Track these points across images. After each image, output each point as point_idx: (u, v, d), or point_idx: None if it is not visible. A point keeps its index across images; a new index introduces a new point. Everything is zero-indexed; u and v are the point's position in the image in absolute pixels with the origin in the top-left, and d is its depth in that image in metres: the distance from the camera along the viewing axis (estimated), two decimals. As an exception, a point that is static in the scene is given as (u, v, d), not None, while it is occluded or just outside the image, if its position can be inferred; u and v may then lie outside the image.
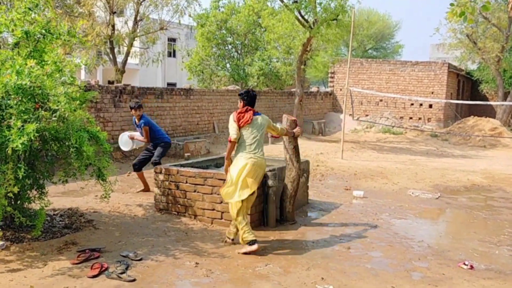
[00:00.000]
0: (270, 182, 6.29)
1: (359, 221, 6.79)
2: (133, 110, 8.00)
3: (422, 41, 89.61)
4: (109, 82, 24.32)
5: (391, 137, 19.28)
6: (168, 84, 34.32)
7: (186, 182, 6.48)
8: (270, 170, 6.46)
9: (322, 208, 7.52)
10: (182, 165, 6.99)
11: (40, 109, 5.04)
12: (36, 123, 4.85)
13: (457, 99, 24.55)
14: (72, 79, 5.28)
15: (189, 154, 11.68)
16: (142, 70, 29.86)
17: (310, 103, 21.41)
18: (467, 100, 26.84)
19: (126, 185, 8.70)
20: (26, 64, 5.05)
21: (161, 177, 6.70)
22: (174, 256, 5.07)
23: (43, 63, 5.49)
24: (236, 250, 5.31)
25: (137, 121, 8.07)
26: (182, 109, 13.31)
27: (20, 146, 4.57)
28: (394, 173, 11.15)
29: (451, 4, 4.52)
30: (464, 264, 5.05)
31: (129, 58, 17.91)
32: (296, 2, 14.35)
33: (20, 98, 4.90)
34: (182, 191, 6.52)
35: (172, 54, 35.44)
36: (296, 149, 6.46)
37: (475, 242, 6.02)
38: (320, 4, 14.37)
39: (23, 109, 4.91)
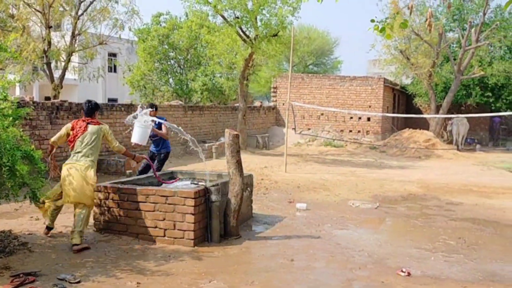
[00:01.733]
0: (213, 197, 6.26)
1: (302, 233, 6.90)
2: (151, 112, 8.22)
3: (360, 56, 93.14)
4: (46, 98, 23.40)
5: (333, 150, 19.80)
6: (109, 99, 33.50)
7: (127, 200, 6.33)
8: (213, 185, 6.45)
9: (266, 221, 7.57)
10: (123, 183, 6.82)
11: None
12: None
13: (393, 112, 25.65)
14: (4, 95, 5.03)
15: (131, 171, 11.42)
16: (82, 85, 28.97)
17: (253, 117, 21.62)
18: (403, 113, 28.09)
19: (64, 205, 8.34)
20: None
21: (100, 195, 6.50)
22: (115, 276, 4.91)
23: (-28, 78, 5.24)
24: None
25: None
26: (123, 125, 12.99)
27: None
28: (335, 185, 11.43)
29: (372, 20, 4.75)
30: (402, 271, 5.24)
31: (67, 73, 17.37)
32: (238, 18, 14.56)
33: None
34: (123, 209, 6.35)
35: (113, 69, 34.70)
36: (239, 163, 6.49)
37: (412, 249, 6.28)
38: (261, 20, 14.63)
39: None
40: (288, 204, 9.11)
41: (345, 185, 11.53)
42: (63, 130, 6.35)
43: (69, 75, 30.07)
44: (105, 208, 6.46)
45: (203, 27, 17.36)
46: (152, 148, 9.14)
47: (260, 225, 7.37)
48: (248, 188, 7.50)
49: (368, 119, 22.77)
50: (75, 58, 20.89)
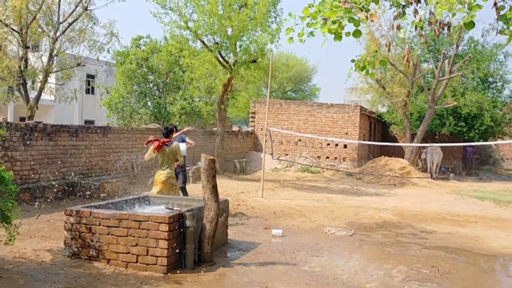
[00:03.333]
0: (188, 223, 6.19)
1: (278, 260, 6.85)
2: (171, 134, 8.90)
3: (337, 84, 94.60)
4: (21, 119, 23.00)
5: (310, 176, 19.87)
6: (86, 121, 33.15)
7: (100, 225, 6.20)
8: (188, 210, 6.38)
9: (241, 248, 7.50)
10: (95, 206, 6.69)
11: None
12: None
13: (369, 140, 26.00)
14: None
15: (105, 194, 11.23)
16: (58, 106, 28.63)
17: (231, 142, 21.62)
18: (379, 140, 28.50)
19: (34, 229, 8.14)
20: None
21: (72, 219, 6.35)
22: (84, 304, 4.78)
23: None
24: None
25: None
26: (99, 147, 12.85)
27: None
28: (312, 211, 11.44)
29: (352, 60, 4.85)
30: (376, 299, 5.23)
31: (43, 94, 17.14)
32: (217, 43, 14.70)
33: None
34: (95, 234, 6.21)
35: (90, 91, 34.45)
36: (214, 188, 6.45)
37: (386, 277, 6.28)
38: (240, 46, 14.80)
39: None
40: (264, 230, 9.06)
41: (321, 211, 11.55)
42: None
43: (45, 96, 29.70)
44: (76, 232, 6.31)
45: (182, 51, 17.47)
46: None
47: (235, 251, 7.29)
48: (224, 214, 7.44)
49: (345, 146, 23.01)
50: (52, 79, 20.72)
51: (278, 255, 7.15)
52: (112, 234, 6.13)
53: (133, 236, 6.02)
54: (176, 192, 8.65)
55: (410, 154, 23.16)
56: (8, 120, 27.01)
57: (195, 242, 6.35)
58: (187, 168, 10.44)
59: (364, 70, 4.69)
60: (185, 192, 10.00)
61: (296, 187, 16.21)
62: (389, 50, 17.03)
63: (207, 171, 6.39)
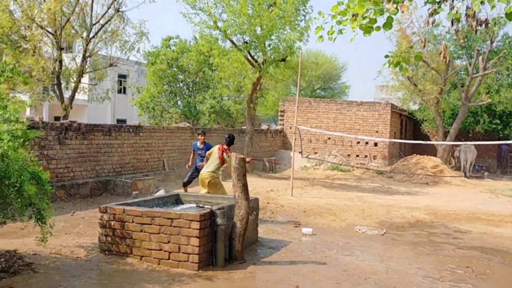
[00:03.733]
0: (219, 221, 6.24)
1: (308, 259, 6.83)
2: (201, 136, 10.34)
3: (367, 82, 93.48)
4: (56, 119, 23.63)
5: (339, 174, 19.72)
6: (118, 120, 33.81)
7: (133, 222, 6.32)
8: (219, 208, 6.43)
9: (271, 246, 7.51)
10: (128, 204, 6.82)
11: (-22, 147, 4.85)
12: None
13: (400, 138, 25.60)
14: (16, 117, 5.09)
15: (137, 192, 11.43)
16: (91, 106, 29.29)
17: (260, 140, 21.66)
18: (410, 139, 28.02)
19: (69, 225, 8.36)
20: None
21: (105, 216, 6.50)
22: (118, 299, 4.88)
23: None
24: None
25: (200, 145, 10.32)
26: (131, 146, 13.10)
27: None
28: (342, 210, 11.35)
29: (386, 56, 4.78)
30: (409, 299, 5.16)
31: (77, 94, 17.57)
32: (247, 43, 14.74)
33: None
34: (128, 231, 6.34)
35: (122, 90, 35.11)
36: (245, 187, 6.48)
37: (419, 277, 6.18)
38: (269, 45, 14.80)
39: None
40: (294, 228, 9.05)
41: (352, 210, 11.45)
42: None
43: (79, 96, 30.47)
44: (110, 229, 6.45)
45: (212, 51, 17.62)
46: (198, 162, 10.42)
47: (265, 249, 7.31)
48: (254, 212, 7.47)
49: (375, 144, 22.73)
50: (85, 79, 21.22)
51: (308, 254, 7.13)
52: (144, 231, 6.24)
53: (165, 234, 6.12)
54: (222, 190, 9.15)
55: (443, 152, 22.69)
56: (44, 119, 27.91)
57: (226, 240, 6.40)
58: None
59: (398, 66, 4.62)
60: (185, 187, 10.62)
61: (326, 186, 16.11)
62: (424, 46, 16.70)
63: (237, 169, 6.42)
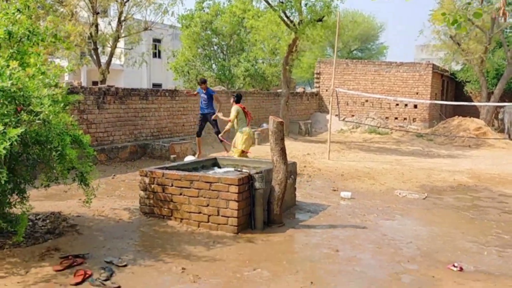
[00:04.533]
0: (257, 185, 6.20)
1: (347, 223, 6.75)
2: (203, 84, 11.30)
3: (406, 42, 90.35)
4: (94, 83, 23.98)
5: (377, 137, 19.35)
6: (154, 85, 34.07)
7: (172, 185, 6.36)
8: (257, 172, 6.38)
9: (310, 210, 7.46)
10: (167, 168, 6.86)
11: (22, 112, 4.90)
12: (18, 126, 4.72)
13: (442, 99, 24.76)
14: (56, 81, 5.11)
15: (175, 155, 11.54)
16: (127, 71, 29.60)
17: (296, 103, 21.40)
18: (451, 100, 27.09)
19: (111, 188, 8.54)
20: (8, 66, 4.90)
21: (146, 180, 6.57)
22: (161, 261, 4.96)
23: (25, 65, 5.34)
24: None
25: (203, 89, 11.27)
26: (168, 110, 13.16)
27: (2, 151, 4.42)
28: (380, 174, 11.15)
29: (443, 14, 4.48)
30: (454, 266, 5.02)
31: (113, 59, 17.70)
32: (282, 2, 14.30)
33: (0, 101, 4.75)
34: (168, 194, 6.40)
35: (157, 55, 35.21)
36: (283, 151, 6.39)
37: (463, 243, 6.02)
38: (305, 4, 14.35)
39: (4, 112, 4.77)
40: (332, 192, 8.96)
41: (391, 173, 11.23)
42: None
43: (115, 61, 30.80)
44: (151, 192, 6.53)
45: (246, 12, 17.29)
46: (205, 110, 11.44)
47: (303, 213, 7.26)
48: (292, 176, 7.39)
49: (415, 106, 22.07)
50: (121, 43, 21.33)
51: (347, 218, 7.05)
52: (184, 195, 6.27)
53: (204, 197, 6.14)
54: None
55: (486, 114, 21.86)
56: (82, 84, 28.40)
57: (264, 204, 6.37)
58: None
59: (455, 25, 4.31)
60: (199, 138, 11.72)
61: (363, 149, 15.85)
62: (482, 2, 15.80)
63: (275, 133, 6.32)
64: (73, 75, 30.21)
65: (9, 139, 4.55)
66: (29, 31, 5.13)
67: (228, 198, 6.01)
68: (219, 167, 7.95)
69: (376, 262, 5.20)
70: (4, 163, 5.11)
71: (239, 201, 5.98)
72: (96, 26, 16.14)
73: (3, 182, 4.57)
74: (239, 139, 9.46)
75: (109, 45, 17.24)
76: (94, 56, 16.99)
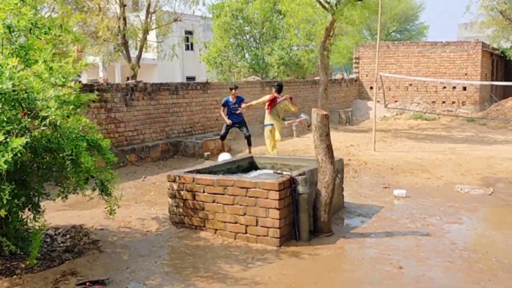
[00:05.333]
0: (300, 189, 5.36)
1: (407, 229, 5.82)
2: (233, 91, 10.39)
3: (447, 21, 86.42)
4: (128, 79, 23.59)
5: (424, 124, 18.07)
6: (188, 78, 33.60)
7: (204, 192, 5.61)
8: (300, 174, 5.54)
9: (360, 213, 6.56)
10: (198, 171, 6.11)
11: (26, 116, 4.24)
12: (22, 134, 4.07)
13: (492, 80, 23.06)
14: (63, 80, 4.39)
15: (209, 153, 10.83)
16: (160, 65, 29.19)
17: (335, 91, 20.31)
18: (501, 80, 25.26)
19: (140, 193, 7.89)
20: (8, 64, 4.24)
21: (175, 186, 5.84)
22: (193, 285, 4.22)
23: (31, 62, 4.67)
24: None
25: (232, 99, 10.42)
26: (200, 104, 12.45)
27: (3, 165, 3.76)
28: (435, 165, 10.08)
29: None
30: (552, 287, 4.05)
31: (146, 53, 17.17)
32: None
33: (0, 106, 4.09)
34: (200, 202, 5.65)
35: (189, 47, 34.71)
36: (329, 148, 5.51)
37: (552, 252, 4.99)
38: (343, -17, 13.25)
39: (5, 118, 4.11)
40: (383, 190, 8.00)
41: (446, 165, 10.14)
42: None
43: (147, 55, 30.44)
44: (180, 199, 5.80)
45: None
46: (234, 119, 10.59)
47: (353, 217, 6.38)
48: (339, 175, 6.50)
49: (464, 88, 20.54)
50: (152, 37, 20.81)
51: (405, 222, 6.11)
52: (217, 202, 5.51)
53: (240, 205, 5.35)
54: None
55: (543, 94, 20.14)
56: (116, 80, 28.09)
57: (310, 210, 5.53)
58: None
59: None
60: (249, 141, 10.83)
61: (411, 137, 14.68)
62: None
63: (320, 128, 5.44)
64: (106, 72, 30.13)
65: (11, 150, 3.90)
66: (32, 24, 4.43)
67: (267, 206, 5.20)
68: (256, 167, 7.16)
69: (451, 283, 4.28)
70: (13, 175, 4.49)
71: (280, 208, 5.17)
72: (124, 19, 15.56)
73: (5, 202, 3.91)
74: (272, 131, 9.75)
75: (139, 39, 16.69)
76: (124, 51, 16.47)
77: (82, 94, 4.89)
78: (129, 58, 16.35)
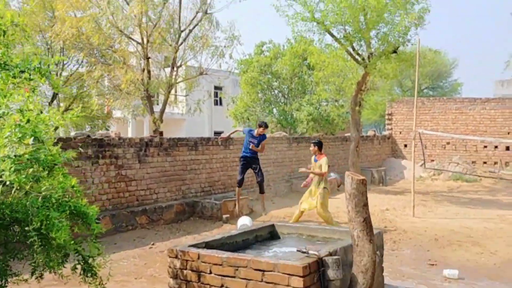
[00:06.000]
0: (331, 274, 4.24)
1: (467, 328, 4.55)
2: (262, 129, 10.18)
3: (481, 78, 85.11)
4: (154, 132, 23.11)
5: (465, 186, 16.64)
6: (215, 133, 33.22)
7: (211, 273, 4.54)
8: (330, 253, 4.45)
9: (405, 300, 5.33)
10: (207, 244, 5.08)
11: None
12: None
13: (537, 138, 21.51)
14: (18, 136, 3.42)
15: (227, 215, 9.79)
16: (189, 120, 28.94)
17: (366, 148, 19.21)
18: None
19: (144, 264, 6.85)
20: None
21: (176, 263, 4.80)
22: None
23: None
24: None
25: (256, 134, 10.14)
26: (221, 161, 11.55)
27: None
28: (485, 237, 8.73)
29: None
30: None
31: (175, 108, 16.68)
32: (349, 33, 12.49)
33: None
34: (205, 285, 4.58)
35: (218, 102, 34.67)
36: (367, 223, 4.42)
37: None
38: (376, 34, 12.46)
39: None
40: (430, 268, 6.75)
41: (499, 236, 8.78)
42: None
43: (174, 110, 30.29)
44: (183, 281, 4.74)
45: (308, 52, 15.78)
46: (248, 154, 10.23)
47: (397, 307, 5.15)
48: (378, 252, 5.34)
49: (507, 148, 19.10)
50: (179, 91, 20.44)
51: (464, 317, 4.84)
52: (227, 287, 4.43)
53: (256, 292, 4.26)
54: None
55: None
56: (145, 134, 27.75)
57: (342, 300, 4.38)
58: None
59: None
60: (262, 188, 10.43)
61: (453, 201, 13.29)
62: None
63: (355, 197, 4.38)
64: (136, 127, 29.92)
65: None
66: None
67: (289, 296, 4.09)
68: (278, 237, 6.08)
69: None
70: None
71: (305, 300, 4.05)
72: (149, 72, 15.15)
73: None
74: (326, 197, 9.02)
75: (163, 93, 16.22)
76: (148, 104, 15.96)
77: (62, 152, 3.99)
78: (151, 112, 15.81)
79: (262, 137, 10.24)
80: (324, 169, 8.87)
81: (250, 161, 10.25)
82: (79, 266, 4.18)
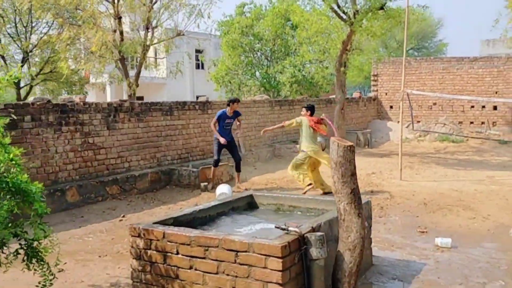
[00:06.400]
0: (314, 252, 3.71)
1: (465, 306, 4.11)
2: (235, 104, 9.35)
3: (466, 38, 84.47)
4: (138, 99, 22.15)
5: (452, 146, 16.28)
6: (197, 97, 32.37)
7: (177, 253, 3.99)
8: (313, 229, 3.91)
9: (395, 274, 4.87)
10: (175, 220, 4.50)
11: None
12: None
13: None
14: None
15: (206, 183, 9.22)
16: (170, 84, 28.03)
17: (351, 111, 18.65)
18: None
19: (111, 239, 6.28)
20: None
21: (139, 242, 4.23)
22: None
23: None
24: None
25: (230, 113, 9.31)
26: (199, 126, 10.89)
27: None
28: (476, 200, 8.32)
29: None
30: None
31: (152, 71, 15.82)
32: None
33: None
34: (172, 267, 4.03)
35: (200, 66, 33.62)
36: (354, 194, 3.88)
37: None
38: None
39: None
40: (420, 235, 6.30)
41: (490, 198, 8.39)
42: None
43: (157, 74, 29.27)
44: (147, 262, 4.19)
45: (290, 12, 14.98)
46: (227, 137, 9.37)
47: (387, 282, 4.69)
48: (367, 223, 4.84)
49: (495, 107, 18.72)
50: (159, 55, 19.47)
51: (460, 291, 4.41)
52: (196, 269, 3.89)
53: (228, 275, 3.72)
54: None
55: None
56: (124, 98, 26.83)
57: (328, 280, 3.88)
58: None
59: None
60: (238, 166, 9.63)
61: (441, 163, 12.90)
62: None
63: (342, 165, 3.81)
64: (116, 93, 28.87)
65: None
66: None
67: (266, 279, 3.57)
68: (257, 207, 5.55)
69: None
70: None
71: (284, 283, 3.52)
72: (121, 33, 14.20)
73: None
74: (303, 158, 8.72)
75: (138, 55, 15.31)
76: (121, 67, 15.07)
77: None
78: (126, 76, 14.95)
79: (236, 113, 9.47)
80: (287, 123, 9.12)
81: (227, 145, 9.39)
82: (21, 251, 3.63)
